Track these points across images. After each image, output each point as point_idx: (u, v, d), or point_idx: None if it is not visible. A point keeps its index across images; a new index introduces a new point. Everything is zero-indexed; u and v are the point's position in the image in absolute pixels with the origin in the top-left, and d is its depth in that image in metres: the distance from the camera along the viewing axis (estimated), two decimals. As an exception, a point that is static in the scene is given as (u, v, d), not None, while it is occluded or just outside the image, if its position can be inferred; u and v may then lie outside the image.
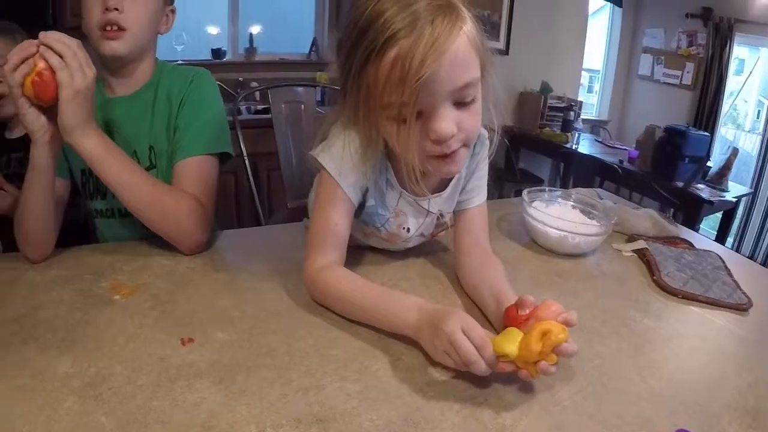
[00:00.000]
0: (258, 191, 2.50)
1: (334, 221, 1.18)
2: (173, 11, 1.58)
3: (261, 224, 2.52)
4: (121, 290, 1.22)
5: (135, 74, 1.54)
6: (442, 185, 1.25)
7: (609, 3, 6.91)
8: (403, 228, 1.28)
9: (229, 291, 1.21)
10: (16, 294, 1.23)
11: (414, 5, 0.93)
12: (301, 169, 2.75)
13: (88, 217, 1.67)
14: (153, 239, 1.44)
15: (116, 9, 1.38)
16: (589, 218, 1.59)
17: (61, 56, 1.10)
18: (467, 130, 1.02)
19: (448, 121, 0.98)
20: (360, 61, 0.97)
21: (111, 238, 1.59)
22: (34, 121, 1.16)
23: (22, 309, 1.16)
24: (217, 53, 5.03)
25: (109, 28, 1.40)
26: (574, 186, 5.01)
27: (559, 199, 1.66)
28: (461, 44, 0.95)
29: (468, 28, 0.97)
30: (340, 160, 1.14)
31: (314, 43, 5.39)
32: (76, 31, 3.73)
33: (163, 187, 1.36)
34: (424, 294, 1.20)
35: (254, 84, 4.81)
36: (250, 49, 5.15)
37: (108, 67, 1.51)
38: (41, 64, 1.10)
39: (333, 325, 1.08)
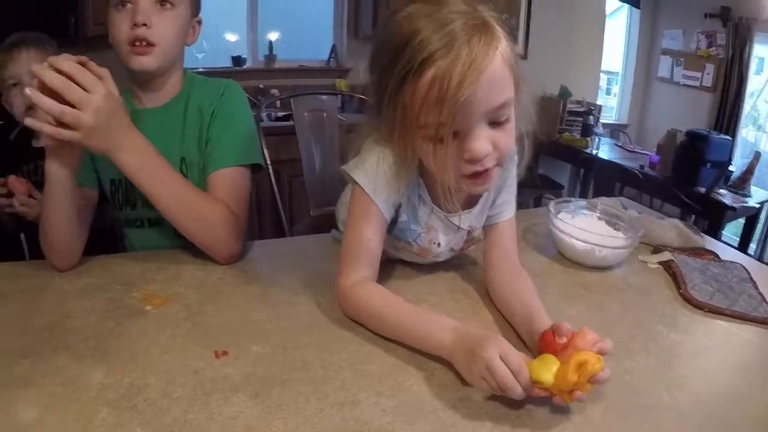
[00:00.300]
0: (281, 198, 2.51)
1: (368, 237, 1.18)
2: (199, 23, 1.59)
3: (284, 232, 2.53)
4: (152, 300, 1.23)
5: (164, 87, 1.55)
6: (473, 201, 1.25)
7: (626, 4, 6.87)
8: (434, 243, 1.28)
9: (261, 304, 1.22)
10: (45, 302, 1.25)
11: (450, 25, 0.93)
12: (323, 176, 2.77)
13: (114, 224, 1.69)
14: (183, 248, 1.45)
15: (144, 25, 1.39)
16: (615, 230, 1.58)
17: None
18: (501, 149, 1.03)
19: (483, 141, 0.99)
20: (396, 80, 0.97)
21: (140, 248, 1.60)
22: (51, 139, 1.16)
23: (51, 317, 1.17)
24: (237, 60, 5.06)
25: (137, 43, 1.41)
26: (595, 192, 5.01)
27: (585, 211, 1.65)
28: (497, 64, 0.95)
29: (503, 47, 0.97)
30: (374, 176, 1.15)
31: (333, 49, 5.41)
32: (98, 40, 3.77)
33: (199, 195, 1.37)
34: (454, 308, 1.20)
35: (274, 91, 4.86)
36: (270, 56, 5.18)
37: (137, 80, 1.52)
38: None
39: (366, 340, 1.08)
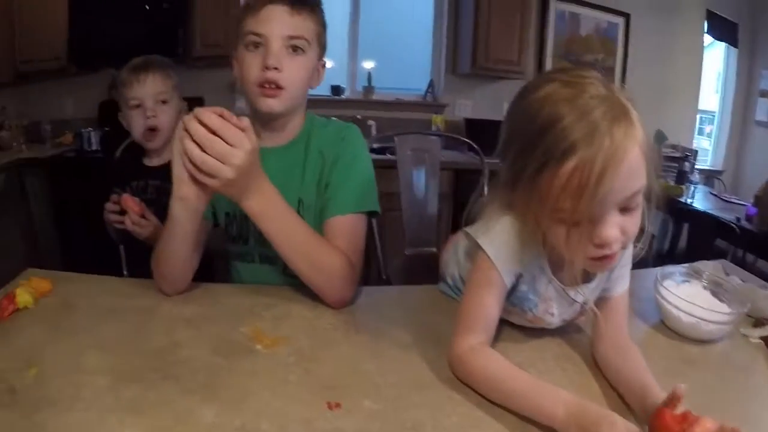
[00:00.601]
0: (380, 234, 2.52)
1: (488, 304, 1.18)
2: (324, 65, 1.62)
3: (380, 269, 2.53)
4: (262, 340, 1.24)
5: (287, 128, 1.59)
6: (591, 276, 1.23)
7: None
8: (549, 313, 1.27)
9: (371, 356, 1.21)
10: (155, 325, 1.28)
11: (592, 113, 0.93)
12: (422, 216, 2.78)
13: (213, 253, 1.72)
14: (292, 286, 1.47)
15: (276, 68, 1.42)
16: (720, 300, 1.51)
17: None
18: (628, 234, 1.02)
19: (614, 228, 0.98)
20: (536, 165, 0.97)
21: (248, 281, 1.63)
22: (178, 172, 1.21)
23: (161, 343, 1.20)
24: (336, 90, 5.15)
25: (267, 85, 1.44)
26: (688, 244, 4.84)
27: (690, 279, 1.60)
28: (635, 154, 0.94)
29: (640, 136, 0.96)
30: (499, 244, 1.15)
31: (431, 84, 5.44)
32: (204, 60, 3.89)
33: (320, 243, 1.38)
34: (560, 377, 1.18)
35: (371, 122, 4.98)
36: (368, 88, 5.27)
37: (261, 119, 1.55)
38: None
39: (477, 404, 1.06)
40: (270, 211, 1.29)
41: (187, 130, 1.12)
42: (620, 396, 1.10)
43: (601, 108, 0.93)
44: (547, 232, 1.07)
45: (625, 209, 0.99)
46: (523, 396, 1.02)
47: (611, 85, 0.99)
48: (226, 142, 1.12)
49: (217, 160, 1.12)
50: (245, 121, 1.18)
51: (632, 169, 0.94)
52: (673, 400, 0.92)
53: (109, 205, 1.90)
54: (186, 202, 1.25)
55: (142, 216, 1.70)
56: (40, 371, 1.07)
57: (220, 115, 1.14)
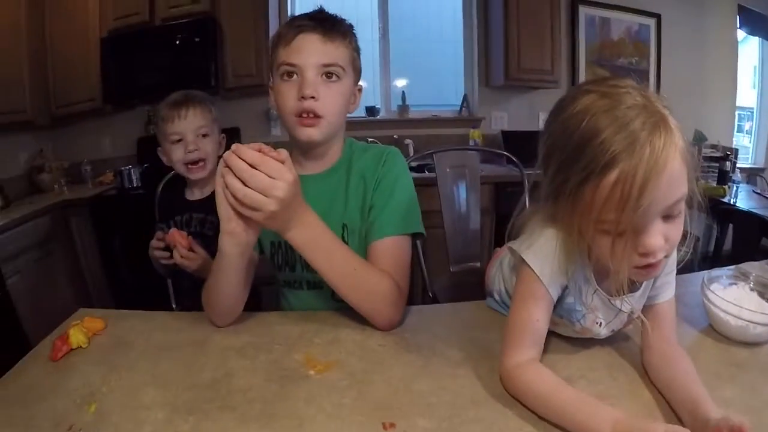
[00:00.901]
0: (423, 251, 2.53)
1: (535, 318, 1.17)
2: (360, 90, 1.63)
3: (425, 287, 2.54)
4: (315, 365, 1.25)
5: (327, 155, 1.60)
6: (636, 284, 1.22)
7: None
8: (596, 323, 1.26)
9: (424, 375, 1.21)
10: (208, 357, 1.30)
11: (631, 124, 0.93)
12: (465, 232, 2.78)
13: (259, 281, 1.73)
14: (340, 311, 1.47)
15: (312, 97, 1.43)
16: (767, 302, 1.51)
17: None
18: (672, 241, 1.02)
19: (657, 237, 0.98)
20: (577, 178, 0.98)
21: (297, 308, 1.64)
22: (224, 210, 1.22)
23: (215, 374, 1.22)
24: (371, 111, 5.18)
25: (305, 115, 1.45)
26: (734, 246, 4.76)
27: (737, 281, 1.58)
28: (676, 162, 0.94)
29: (679, 143, 0.95)
30: (543, 257, 1.15)
31: (465, 99, 5.43)
32: (236, 91, 3.94)
33: (366, 269, 1.38)
34: (611, 386, 1.17)
35: (408, 141, 4.98)
36: (403, 107, 5.27)
37: (300, 148, 1.57)
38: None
39: (529, 420, 1.05)
40: (314, 241, 1.30)
41: (228, 166, 1.14)
42: (672, 407, 1.09)
43: (639, 118, 0.93)
44: (592, 244, 1.07)
45: (667, 217, 0.99)
46: (570, 413, 1.01)
47: (647, 92, 0.99)
48: (267, 176, 1.13)
49: (259, 193, 1.14)
50: (283, 153, 1.18)
51: (673, 178, 0.94)
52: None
53: (154, 242, 1.93)
54: (235, 237, 1.26)
55: (190, 249, 1.71)
56: (99, 408, 1.09)
57: (259, 150, 1.16)
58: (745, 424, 0.88)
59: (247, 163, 1.13)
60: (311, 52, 1.44)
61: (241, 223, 1.23)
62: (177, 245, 1.69)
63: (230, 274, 1.34)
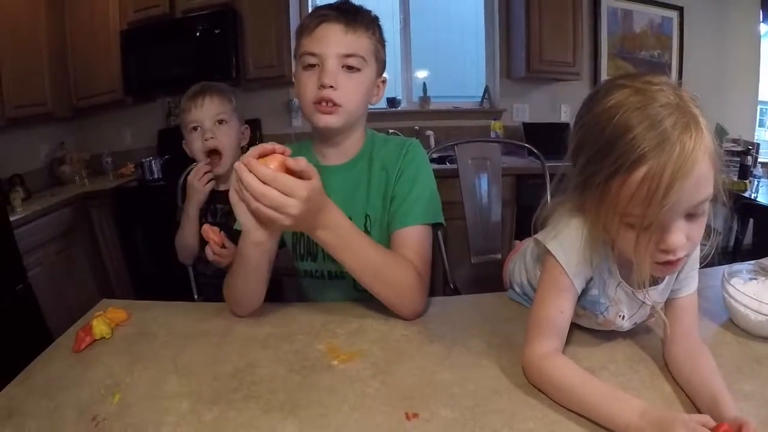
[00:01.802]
0: (444, 243, 2.53)
1: (560, 309, 1.18)
2: (384, 82, 1.63)
3: (447, 278, 2.53)
4: (338, 355, 1.25)
5: (347, 144, 1.61)
6: (659, 278, 1.22)
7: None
8: (619, 316, 1.26)
9: (446, 365, 1.21)
10: (231, 347, 1.31)
11: (662, 123, 0.93)
12: (486, 224, 2.77)
13: (283, 271, 1.74)
14: (363, 301, 1.48)
15: (331, 86, 1.43)
16: None
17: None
18: (693, 239, 1.03)
19: (680, 235, 0.99)
20: (606, 173, 0.98)
21: (318, 298, 1.64)
22: (245, 220, 1.21)
23: (239, 364, 1.22)
24: (392, 102, 5.17)
25: (324, 103, 1.45)
26: (755, 241, 4.72)
27: (757, 276, 1.57)
28: (704, 164, 0.94)
29: (708, 144, 0.95)
30: (569, 248, 1.15)
31: (486, 90, 5.42)
32: (257, 82, 3.94)
33: (390, 259, 1.39)
34: (632, 378, 1.17)
35: (429, 133, 4.97)
36: (425, 98, 5.26)
37: (320, 136, 1.58)
38: None
39: (552, 409, 1.06)
40: (341, 239, 1.29)
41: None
42: (691, 400, 1.08)
43: (671, 118, 0.93)
44: (615, 237, 1.07)
45: (691, 216, 0.99)
46: (595, 404, 1.01)
47: (681, 91, 0.99)
48: (281, 191, 1.12)
49: (273, 209, 1.13)
50: (302, 162, 1.16)
51: (700, 179, 0.94)
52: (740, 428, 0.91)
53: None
54: (259, 246, 1.28)
55: (222, 246, 1.71)
56: (123, 398, 1.10)
57: (272, 152, 1.16)
58: (750, 425, 0.89)
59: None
60: (333, 41, 1.44)
61: (265, 232, 1.24)
62: (210, 241, 1.69)
63: (252, 273, 1.36)
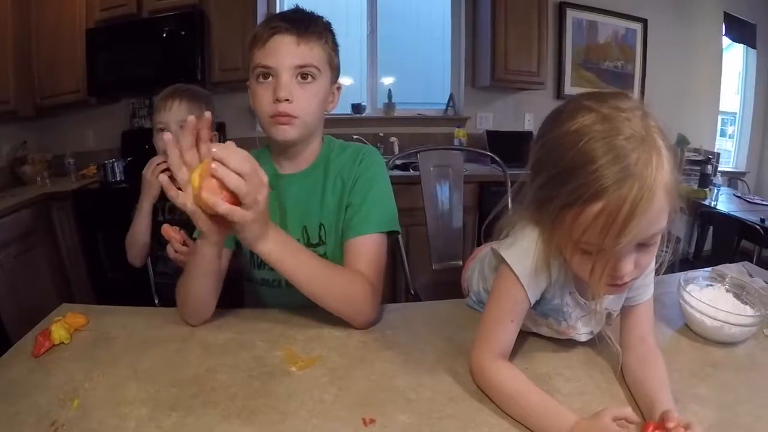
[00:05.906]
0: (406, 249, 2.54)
1: (510, 318, 1.19)
2: (339, 88, 1.63)
3: (407, 285, 2.55)
4: (297, 361, 1.26)
5: (304, 153, 1.61)
6: None
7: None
8: (576, 325, 1.28)
9: (403, 371, 1.23)
10: (191, 353, 1.31)
11: (625, 159, 0.92)
12: (447, 231, 2.80)
13: (235, 278, 1.73)
14: (321, 308, 1.47)
15: (287, 100, 1.44)
16: (743, 303, 1.51)
17: (240, 174, 1.08)
18: (642, 267, 1.04)
19: (630, 264, 1.01)
20: (562, 201, 0.98)
21: (274, 305, 1.62)
22: (204, 224, 1.18)
23: (198, 370, 1.23)
24: (357, 108, 5.19)
25: (280, 117, 1.45)
26: (714, 248, 4.79)
27: (713, 282, 1.60)
28: (661, 200, 0.94)
29: (666, 179, 0.95)
30: (524, 258, 1.15)
31: (451, 98, 5.47)
32: (224, 85, 3.91)
33: (337, 272, 1.40)
34: (587, 383, 1.19)
35: (393, 139, 5.00)
36: (389, 105, 5.28)
37: (277, 148, 1.59)
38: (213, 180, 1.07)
39: (504, 415, 1.08)
40: (285, 255, 1.29)
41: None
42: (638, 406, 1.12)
43: (634, 153, 0.92)
44: (569, 259, 1.09)
45: (642, 245, 1.01)
46: (534, 415, 1.04)
47: (648, 119, 0.98)
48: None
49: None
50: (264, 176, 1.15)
51: (655, 215, 0.95)
52: (662, 421, 0.96)
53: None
54: (217, 246, 1.29)
55: (184, 243, 1.71)
56: (82, 404, 1.10)
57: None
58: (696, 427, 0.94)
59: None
60: (285, 53, 1.44)
61: (220, 231, 1.21)
62: (171, 240, 1.68)
63: (205, 274, 1.36)
